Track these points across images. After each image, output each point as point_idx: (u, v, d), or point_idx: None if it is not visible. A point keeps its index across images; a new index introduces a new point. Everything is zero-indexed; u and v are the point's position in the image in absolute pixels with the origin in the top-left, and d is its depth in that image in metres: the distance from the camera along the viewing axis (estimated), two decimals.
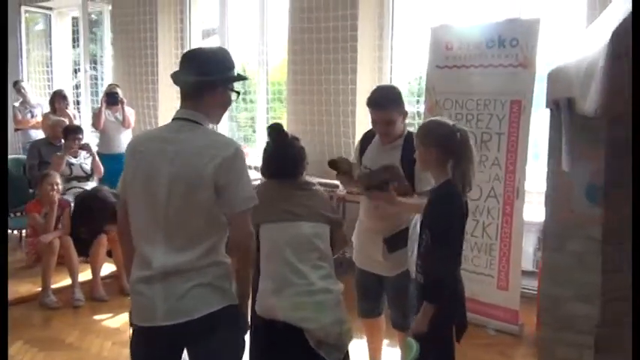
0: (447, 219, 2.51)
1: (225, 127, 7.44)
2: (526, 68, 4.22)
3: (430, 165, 2.63)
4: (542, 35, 4.20)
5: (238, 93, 2.24)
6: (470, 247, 4.50)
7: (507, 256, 4.39)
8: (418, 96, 5.97)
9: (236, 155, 2.06)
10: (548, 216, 2.20)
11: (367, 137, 3.35)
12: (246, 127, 7.48)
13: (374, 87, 3.57)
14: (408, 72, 6.14)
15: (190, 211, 2.04)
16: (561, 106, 1.77)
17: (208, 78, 2.11)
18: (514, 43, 4.27)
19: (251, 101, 7.24)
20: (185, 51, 2.33)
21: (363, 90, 5.81)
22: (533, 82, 4.19)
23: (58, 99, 7.08)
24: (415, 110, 5.87)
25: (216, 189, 2.04)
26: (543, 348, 2.49)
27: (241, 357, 2.23)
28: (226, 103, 2.22)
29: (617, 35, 1.52)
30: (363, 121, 5.75)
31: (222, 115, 2.26)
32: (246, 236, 2.11)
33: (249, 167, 6.24)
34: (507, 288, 4.39)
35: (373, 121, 3.18)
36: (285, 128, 6.45)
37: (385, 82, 5.87)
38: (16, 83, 8.04)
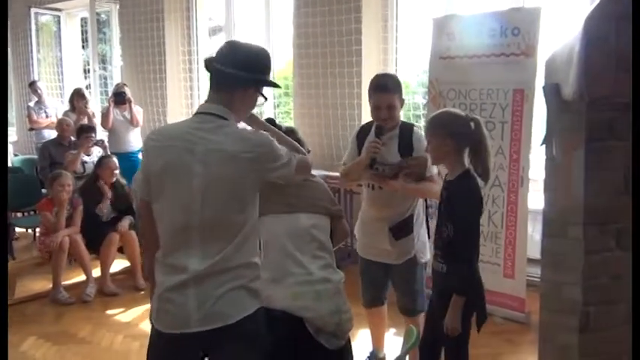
0: (470, 212, 2.52)
1: None
2: (528, 57, 4.22)
3: (445, 156, 2.61)
4: (544, 24, 4.20)
5: (266, 98, 2.19)
6: None
7: (513, 245, 4.41)
8: (425, 87, 5.99)
9: (271, 149, 2.06)
10: (548, 203, 2.22)
11: (364, 130, 3.37)
12: None
13: None
14: (414, 64, 6.14)
15: (226, 215, 1.99)
16: (545, 93, 1.80)
17: (247, 75, 2.04)
18: (516, 32, 4.27)
19: None
20: (229, 42, 2.18)
21: (369, 83, 5.83)
22: (536, 71, 4.19)
23: (77, 98, 7.18)
24: (422, 102, 5.89)
25: (261, 182, 2.06)
26: (544, 333, 2.50)
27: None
28: (254, 105, 2.17)
29: (589, 20, 1.55)
30: (369, 114, 5.78)
31: (246, 115, 2.20)
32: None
33: None
34: (513, 276, 4.41)
35: (376, 107, 3.17)
36: (293, 122, 6.51)
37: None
38: (33, 83, 8.22)
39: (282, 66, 7.20)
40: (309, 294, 2.43)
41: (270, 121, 2.70)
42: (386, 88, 3.14)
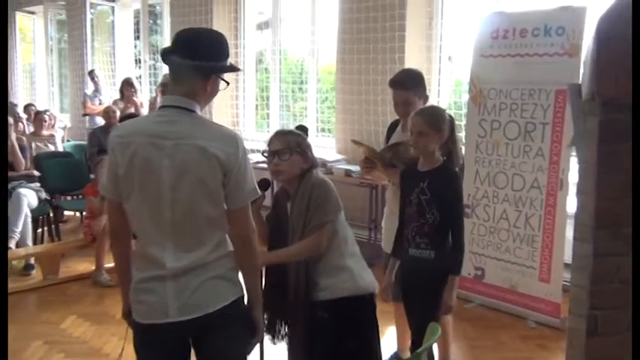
0: (460, 198, 2.79)
1: (276, 116, 7.59)
2: (572, 57, 4.13)
3: (434, 148, 2.79)
4: (589, 23, 4.10)
5: (228, 83, 2.12)
6: (512, 237, 4.46)
7: (550, 248, 4.33)
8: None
9: (240, 149, 1.99)
10: (579, 206, 2.19)
11: (391, 127, 3.51)
12: (301, 117, 7.59)
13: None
14: (457, 61, 6.08)
15: (198, 210, 1.97)
16: (570, 94, 1.78)
17: (206, 64, 1.98)
18: (560, 31, 4.19)
19: (307, 91, 7.34)
20: (182, 30, 2.09)
21: None
22: (579, 72, 4.10)
23: (126, 87, 7.43)
24: (463, 101, 5.84)
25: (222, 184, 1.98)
26: (571, 338, 2.47)
27: (249, 353, 2.22)
28: (216, 92, 2.10)
29: (603, 20, 1.53)
30: None
31: (208, 103, 2.16)
32: (250, 231, 2.06)
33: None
34: (549, 280, 4.33)
35: (395, 104, 3.27)
36: (335, 117, 6.54)
37: (434, 71, 5.87)
38: (91, 72, 8.64)
39: (330, 60, 7.22)
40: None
41: (302, 128, 2.76)
42: (397, 83, 3.25)
